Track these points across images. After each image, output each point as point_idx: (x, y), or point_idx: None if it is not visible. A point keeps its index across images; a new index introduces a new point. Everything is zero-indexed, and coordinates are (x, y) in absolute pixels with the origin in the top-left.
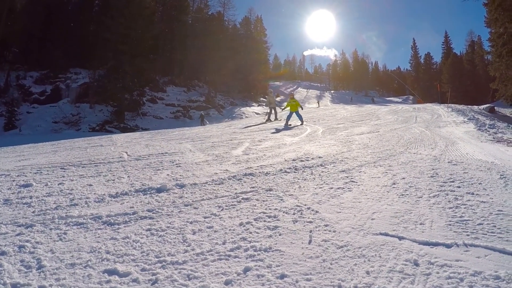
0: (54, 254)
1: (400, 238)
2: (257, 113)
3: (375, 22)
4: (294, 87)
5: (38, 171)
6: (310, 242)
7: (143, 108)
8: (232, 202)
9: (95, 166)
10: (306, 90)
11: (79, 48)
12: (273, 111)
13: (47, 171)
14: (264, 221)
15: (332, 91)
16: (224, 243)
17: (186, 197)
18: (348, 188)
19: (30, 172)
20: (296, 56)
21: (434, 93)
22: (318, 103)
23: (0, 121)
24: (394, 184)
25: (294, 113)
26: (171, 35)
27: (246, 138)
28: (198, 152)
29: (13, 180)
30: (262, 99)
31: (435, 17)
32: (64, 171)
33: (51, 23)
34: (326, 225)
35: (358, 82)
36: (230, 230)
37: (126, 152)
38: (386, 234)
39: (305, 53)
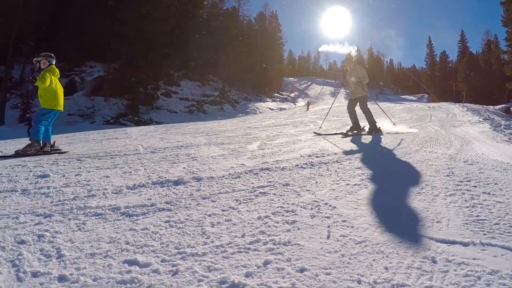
0: (74, 243)
1: (418, 235)
2: (271, 109)
3: (390, 19)
4: (309, 84)
5: (55, 162)
6: (328, 237)
7: (158, 102)
8: (250, 196)
9: (111, 158)
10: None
11: (93, 41)
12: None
13: (64, 162)
14: (282, 215)
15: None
16: (243, 236)
17: (204, 190)
18: (365, 185)
19: (47, 163)
20: (311, 52)
21: (449, 92)
22: (308, 106)
23: (15, 113)
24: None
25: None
26: (186, 29)
27: (261, 133)
28: (214, 146)
29: (30, 171)
30: (276, 94)
31: (451, 16)
32: (80, 163)
33: (66, 17)
34: (344, 221)
35: (373, 79)
36: (248, 223)
37: (142, 145)
38: (404, 231)
39: (320, 49)
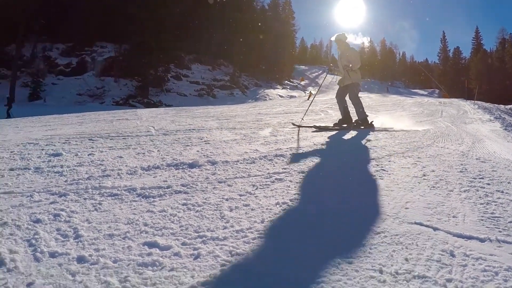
0: (91, 224)
1: (435, 228)
2: (281, 96)
3: (405, 11)
4: (320, 72)
5: (67, 141)
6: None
7: (168, 85)
8: (266, 181)
9: (123, 138)
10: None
11: (105, 22)
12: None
13: (76, 141)
14: (300, 202)
15: None
16: (262, 222)
17: (219, 174)
18: (380, 176)
19: (59, 142)
20: (323, 41)
21: (460, 88)
22: (309, 96)
23: (25, 91)
24: (425, 176)
25: None
26: (199, 13)
27: (272, 120)
28: (226, 131)
29: (42, 149)
30: (286, 82)
31: (467, 12)
32: (92, 142)
33: None
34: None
35: (384, 71)
36: (267, 209)
37: (153, 127)
38: (421, 224)
39: (333, 38)
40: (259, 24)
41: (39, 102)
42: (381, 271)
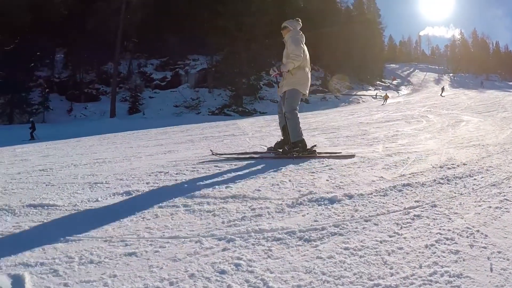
0: (273, 273)
1: None
2: (374, 97)
3: None
4: (411, 70)
5: (194, 169)
6: (491, 270)
7: (261, 92)
8: (406, 219)
9: (248, 163)
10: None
11: (195, 35)
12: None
13: (203, 168)
14: (444, 243)
15: (451, 74)
16: (420, 267)
17: (361, 211)
18: (506, 209)
19: (187, 170)
20: (412, 37)
21: None
22: (385, 99)
23: (125, 106)
24: None
25: None
26: (285, 19)
27: (377, 133)
28: (340, 150)
29: (176, 180)
30: (378, 82)
31: None
32: (219, 170)
33: (167, 12)
34: (499, 252)
35: (478, 64)
36: (419, 252)
37: (266, 146)
38: None
39: (422, 33)
40: (345, 24)
41: (138, 115)
42: None
